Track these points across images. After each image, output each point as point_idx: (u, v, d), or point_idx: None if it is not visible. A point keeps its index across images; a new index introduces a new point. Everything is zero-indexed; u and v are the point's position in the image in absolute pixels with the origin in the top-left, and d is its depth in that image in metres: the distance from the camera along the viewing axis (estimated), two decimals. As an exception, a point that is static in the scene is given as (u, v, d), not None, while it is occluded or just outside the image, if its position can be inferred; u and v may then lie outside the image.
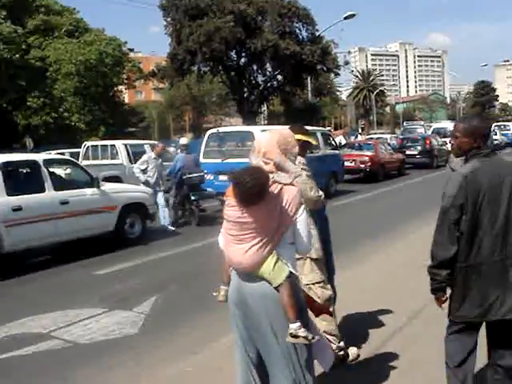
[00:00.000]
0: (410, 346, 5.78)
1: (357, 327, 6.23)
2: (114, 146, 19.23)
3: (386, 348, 5.75)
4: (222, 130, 18.30)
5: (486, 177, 3.74)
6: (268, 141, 3.93)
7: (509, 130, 57.35)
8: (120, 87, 48.56)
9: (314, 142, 5.59)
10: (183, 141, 15.84)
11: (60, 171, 12.47)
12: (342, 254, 7.79)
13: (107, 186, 12.14)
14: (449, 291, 3.97)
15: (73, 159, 13.90)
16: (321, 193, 5.11)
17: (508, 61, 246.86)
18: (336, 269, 5.70)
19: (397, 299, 7.28)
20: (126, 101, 65.33)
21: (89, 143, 20.80)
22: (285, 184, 3.76)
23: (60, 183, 11.16)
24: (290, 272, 3.78)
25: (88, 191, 11.44)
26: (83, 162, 19.29)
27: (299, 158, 4.96)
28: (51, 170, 11.33)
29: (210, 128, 23.30)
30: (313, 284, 5.04)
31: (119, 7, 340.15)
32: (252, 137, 16.07)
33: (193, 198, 14.27)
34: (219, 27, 37.45)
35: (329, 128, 40.54)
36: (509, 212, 3.76)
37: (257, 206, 3.62)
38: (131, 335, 6.80)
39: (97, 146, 20.25)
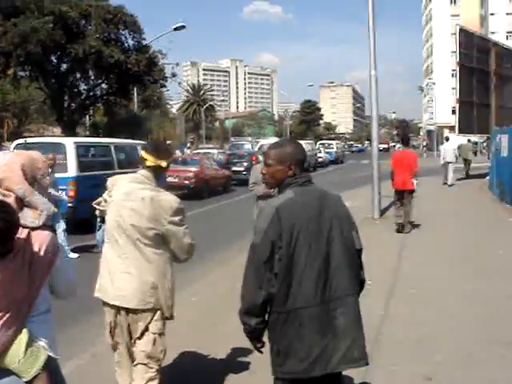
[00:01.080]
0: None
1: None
2: None
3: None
4: (30, 140, 16.47)
5: (302, 209, 3.28)
6: (8, 164, 2.70)
7: (332, 148, 59.79)
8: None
9: (164, 166, 4.41)
10: None
11: None
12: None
13: None
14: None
15: None
16: (194, 241, 4.42)
17: (332, 82, 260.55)
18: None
19: (214, 343, 6.27)
20: None
21: None
22: (32, 228, 2.58)
23: None
24: (49, 355, 2.61)
25: None
26: None
27: None
28: None
29: (32, 137, 21.59)
30: (159, 335, 4.27)
31: None
32: (64, 149, 14.72)
33: None
34: (36, 28, 34.30)
35: (169, 142, 38.91)
36: (329, 248, 3.29)
37: None
38: None
39: None
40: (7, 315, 2.47)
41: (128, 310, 4.18)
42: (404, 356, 5.88)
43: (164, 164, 4.34)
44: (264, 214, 3.28)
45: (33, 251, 2.52)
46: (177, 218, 4.21)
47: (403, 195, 13.71)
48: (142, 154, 4.39)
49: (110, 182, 4.45)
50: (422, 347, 6.09)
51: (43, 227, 2.65)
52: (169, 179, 20.99)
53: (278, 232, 3.18)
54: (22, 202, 2.64)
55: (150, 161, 4.32)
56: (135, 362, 4.30)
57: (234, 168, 31.06)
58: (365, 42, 15.72)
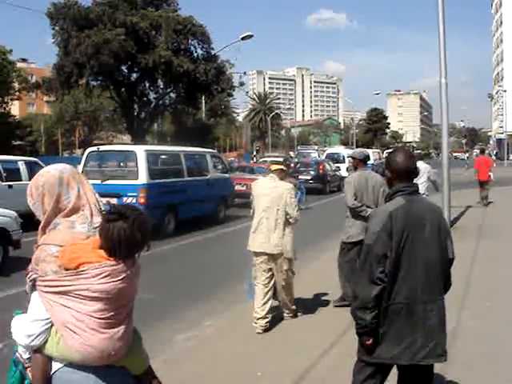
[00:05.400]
0: None
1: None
2: (-19, 162, 17.23)
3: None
4: (102, 148, 16.93)
5: (411, 216, 3.68)
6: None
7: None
8: (6, 98, 45.90)
9: (285, 169, 7.54)
10: None
11: None
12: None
13: (-41, 210, 10.60)
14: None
15: None
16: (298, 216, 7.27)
17: (399, 90, 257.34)
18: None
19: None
20: (17, 113, 62.36)
21: (-48, 158, 18.55)
22: None
23: None
24: None
25: None
26: None
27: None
28: None
29: (102, 145, 22.10)
30: (289, 270, 7.30)
31: (15, 14, 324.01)
32: (135, 157, 14.96)
33: None
34: (109, 39, 35.54)
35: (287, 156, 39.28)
36: (431, 255, 3.69)
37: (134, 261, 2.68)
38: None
39: (-38, 161, 17.97)
40: (131, 314, 2.70)
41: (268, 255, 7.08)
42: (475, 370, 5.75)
43: (283, 168, 7.36)
44: (376, 217, 3.74)
45: None
46: (292, 193, 7.15)
47: (483, 184, 22.15)
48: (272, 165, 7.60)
49: (253, 184, 7.62)
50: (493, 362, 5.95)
51: None
52: (237, 187, 21.47)
53: (389, 234, 3.60)
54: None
55: (274, 167, 7.40)
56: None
57: (301, 176, 30.92)
58: (433, 49, 15.41)
